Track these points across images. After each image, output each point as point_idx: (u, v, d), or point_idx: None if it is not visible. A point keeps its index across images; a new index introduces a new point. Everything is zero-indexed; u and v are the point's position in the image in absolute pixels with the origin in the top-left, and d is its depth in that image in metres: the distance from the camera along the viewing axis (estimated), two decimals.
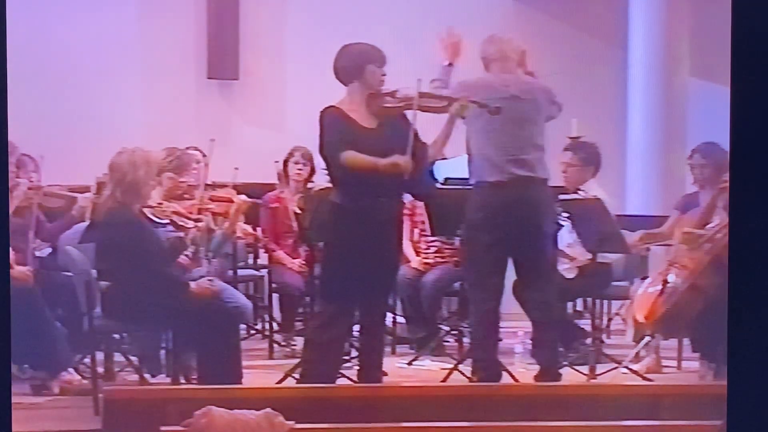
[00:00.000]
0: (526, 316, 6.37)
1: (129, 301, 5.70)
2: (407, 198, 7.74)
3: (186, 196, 6.59)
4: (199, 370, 5.88)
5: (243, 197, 6.68)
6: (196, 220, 6.24)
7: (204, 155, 7.51)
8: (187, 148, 7.67)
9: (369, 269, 5.43)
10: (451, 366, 6.49)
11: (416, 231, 7.75)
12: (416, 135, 5.40)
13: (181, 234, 6.08)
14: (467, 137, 5.97)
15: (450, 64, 6.02)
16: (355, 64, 5.48)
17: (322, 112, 5.46)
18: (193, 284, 5.85)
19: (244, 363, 6.70)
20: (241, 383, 5.78)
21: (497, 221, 5.82)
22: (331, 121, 5.42)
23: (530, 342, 6.21)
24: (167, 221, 6.10)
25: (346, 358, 6.24)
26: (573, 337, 7.00)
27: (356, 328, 5.94)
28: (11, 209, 5.92)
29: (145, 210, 5.97)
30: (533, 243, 5.89)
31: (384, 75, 5.51)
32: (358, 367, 5.79)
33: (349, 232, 5.42)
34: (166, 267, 5.92)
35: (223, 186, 7.13)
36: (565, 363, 6.43)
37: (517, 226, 5.82)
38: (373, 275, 5.48)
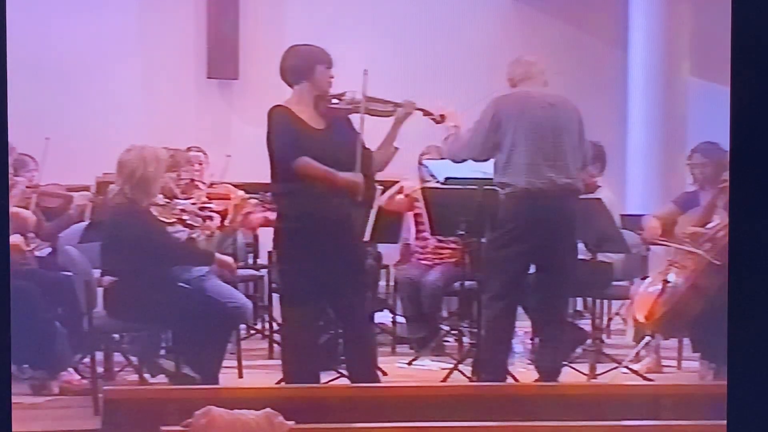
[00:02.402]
0: (527, 316, 6.35)
1: (132, 297, 5.72)
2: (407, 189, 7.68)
3: (183, 195, 6.57)
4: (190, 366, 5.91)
5: (241, 193, 6.67)
6: (205, 218, 6.21)
7: (205, 155, 7.51)
8: (189, 149, 7.69)
9: (328, 270, 5.36)
10: (451, 366, 6.49)
11: (416, 231, 7.75)
12: (363, 145, 5.40)
13: (195, 234, 6.04)
14: (499, 141, 5.82)
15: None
16: (304, 64, 5.46)
17: (270, 110, 5.41)
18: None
19: (244, 363, 6.73)
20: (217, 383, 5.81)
21: (529, 231, 5.73)
22: (281, 122, 5.37)
23: (530, 343, 6.19)
24: (174, 220, 6.06)
25: (343, 358, 6.23)
26: (573, 339, 6.99)
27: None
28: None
29: (152, 209, 5.95)
30: (560, 257, 5.81)
31: (332, 77, 5.49)
32: (347, 368, 5.74)
33: (300, 234, 5.36)
34: (170, 266, 5.94)
35: (221, 184, 7.13)
36: (564, 363, 6.43)
37: (547, 239, 5.73)
38: (334, 275, 5.40)
